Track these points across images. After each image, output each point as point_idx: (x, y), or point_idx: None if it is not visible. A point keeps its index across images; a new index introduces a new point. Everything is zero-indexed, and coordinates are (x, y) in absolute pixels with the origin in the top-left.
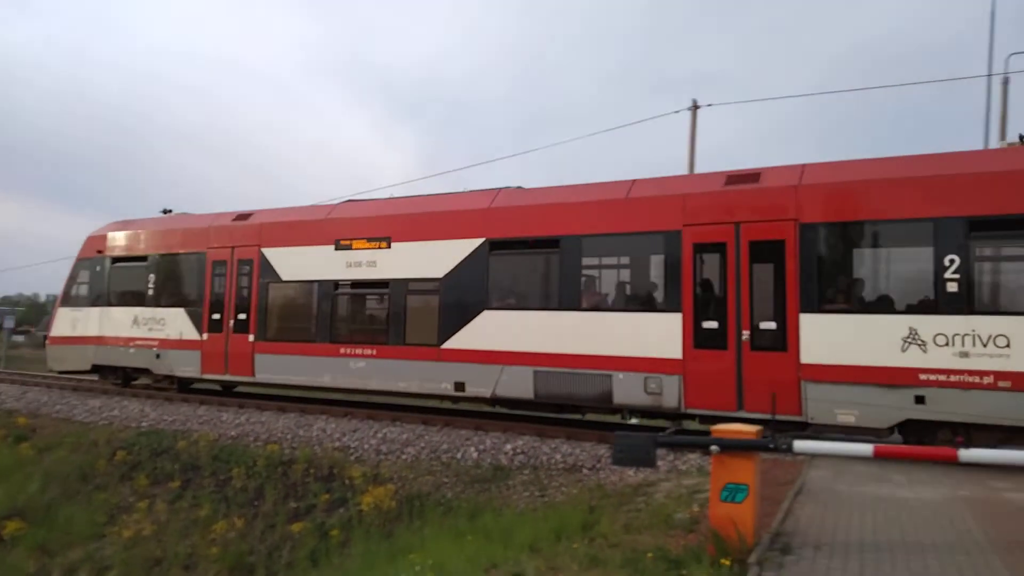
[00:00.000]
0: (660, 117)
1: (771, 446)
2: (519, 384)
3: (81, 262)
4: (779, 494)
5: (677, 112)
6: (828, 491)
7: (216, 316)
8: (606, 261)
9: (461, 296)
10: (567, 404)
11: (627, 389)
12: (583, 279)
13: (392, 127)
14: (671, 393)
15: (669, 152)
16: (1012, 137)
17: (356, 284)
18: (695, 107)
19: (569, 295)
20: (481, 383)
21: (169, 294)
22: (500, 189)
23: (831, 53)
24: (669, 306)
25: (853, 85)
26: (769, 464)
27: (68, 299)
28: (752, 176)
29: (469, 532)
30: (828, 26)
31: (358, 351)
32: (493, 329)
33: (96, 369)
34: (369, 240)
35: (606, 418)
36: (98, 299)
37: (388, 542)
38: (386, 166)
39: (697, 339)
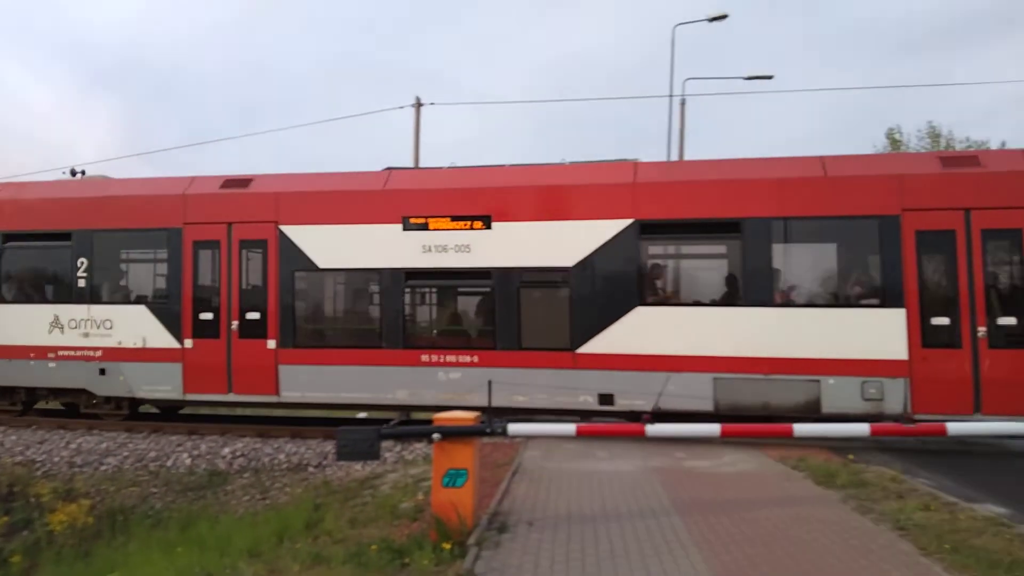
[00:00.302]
0: (386, 111)
1: (488, 431)
2: (694, 393)
3: None
4: (499, 476)
5: (402, 108)
6: (541, 469)
7: (206, 316)
8: (803, 249)
9: (603, 289)
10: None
11: (839, 395)
12: (775, 269)
13: (84, 98)
14: (895, 398)
15: (394, 147)
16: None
17: (441, 274)
18: (418, 104)
19: (758, 288)
20: (637, 394)
21: (118, 285)
22: (627, 161)
23: (544, 61)
24: (889, 300)
25: (567, 92)
26: (490, 448)
27: None
28: (971, 159)
29: (181, 543)
30: (545, 34)
31: (450, 358)
32: (652, 329)
33: None
34: (455, 219)
35: (333, 413)
36: None
37: (85, 563)
38: (77, 143)
39: (926, 337)
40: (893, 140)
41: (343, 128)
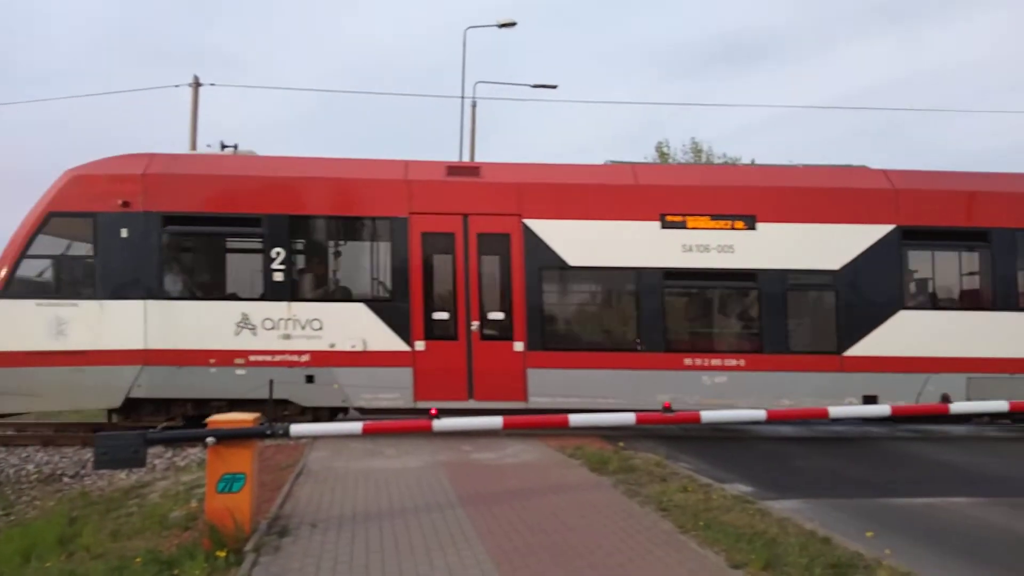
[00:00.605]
0: (156, 89)
1: (268, 432)
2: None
3: (65, 219)
4: (281, 479)
5: (177, 87)
6: (327, 470)
7: (441, 315)
8: None
9: (867, 293)
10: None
11: None
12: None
13: None
14: None
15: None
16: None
17: (702, 274)
18: (196, 84)
19: (1006, 293)
20: (899, 395)
21: (327, 280)
22: (876, 169)
23: (346, 50)
24: None
25: (361, 85)
26: (273, 450)
27: (29, 285)
28: None
29: None
30: (348, 23)
31: (715, 362)
32: (913, 332)
33: (129, 406)
34: (715, 217)
35: (95, 418)
36: (129, 284)
37: None
38: None
39: None
40: (661, 153)
41: (111, 106)
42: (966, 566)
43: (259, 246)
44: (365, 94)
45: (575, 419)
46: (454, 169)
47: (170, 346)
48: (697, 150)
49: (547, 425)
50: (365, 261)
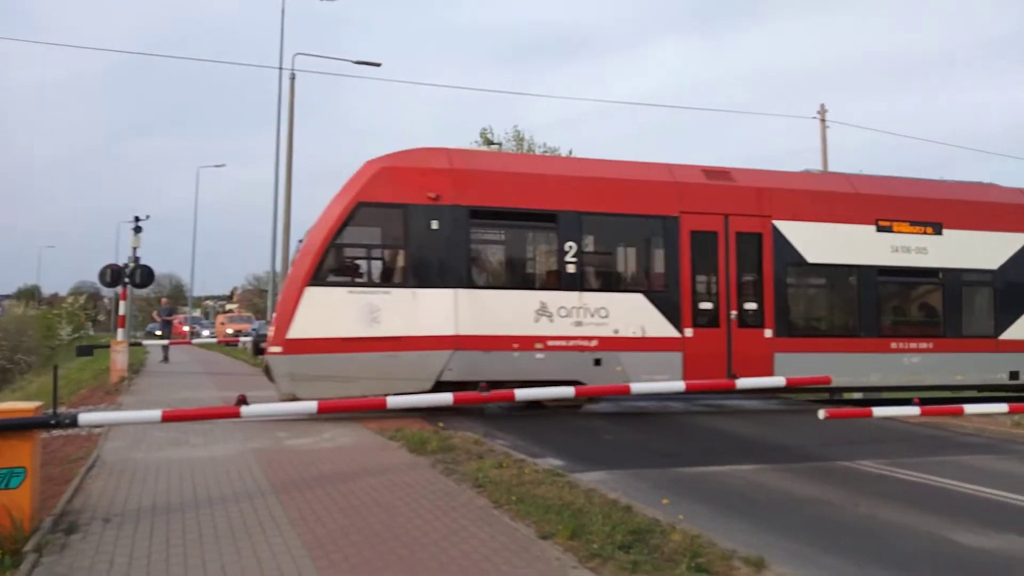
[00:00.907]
0: None
1: (52, 422)
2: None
3: (374, 209)
4: (70, 472)
5: None
6: (124, 461)
7: (706, 305)
8: None
9: (1014, 288)
10: None
11: None
12: None
13: None
14: None
15: None
16: None
17: (904, 271)
18: None
19: None
20: None
21: (611, 272)
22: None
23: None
24: None
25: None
26: (61, 441)
27: (339, 272)
28: None
29: None
30: None
31: (911, 345)
32: None
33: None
34: (913, 224)
35: None
36: (440, 273)
37: None
38: None
39: None
40: (486, 140)
41: None
42: (747, 524)
43: (554, 239)
44: (177, 59)
45: (393, 401)
46: (710, 173)
47: (478, 332)
48: (519, 138)
49: (365, 408)
50: (643, 255)
